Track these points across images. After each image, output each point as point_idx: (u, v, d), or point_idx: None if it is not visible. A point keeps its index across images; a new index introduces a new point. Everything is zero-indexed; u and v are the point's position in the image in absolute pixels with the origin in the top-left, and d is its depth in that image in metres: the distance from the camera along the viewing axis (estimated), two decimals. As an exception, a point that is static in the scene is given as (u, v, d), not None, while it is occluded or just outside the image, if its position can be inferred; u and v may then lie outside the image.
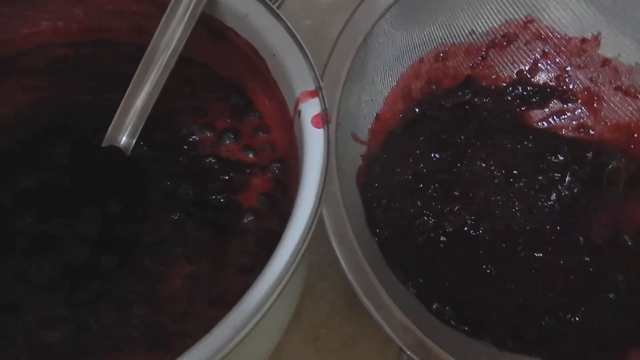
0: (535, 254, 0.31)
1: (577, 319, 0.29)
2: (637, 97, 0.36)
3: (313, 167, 0.22)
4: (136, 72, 0.28)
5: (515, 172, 0.35)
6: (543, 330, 0.28)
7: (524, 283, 0.30)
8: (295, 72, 0.25)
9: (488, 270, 0.30)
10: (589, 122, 0.37)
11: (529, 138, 0.36)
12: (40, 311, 0.24)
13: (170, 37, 0.28)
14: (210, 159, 0.29)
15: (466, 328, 0.28)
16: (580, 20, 0.36)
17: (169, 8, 0.28)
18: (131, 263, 0.26)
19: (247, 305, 0.20)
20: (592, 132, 0.37)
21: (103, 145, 0.28)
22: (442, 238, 0.32)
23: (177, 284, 0.26)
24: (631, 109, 0.36)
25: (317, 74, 0.24)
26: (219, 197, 0.28)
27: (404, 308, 0.26)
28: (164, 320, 0.25)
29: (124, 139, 0.28)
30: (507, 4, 0.35)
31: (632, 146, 0.36)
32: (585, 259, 0.31)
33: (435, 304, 0.30)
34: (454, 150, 0.35)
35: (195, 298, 0.25)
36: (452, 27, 0.35)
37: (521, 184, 0.34)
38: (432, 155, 0.35)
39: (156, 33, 0.28)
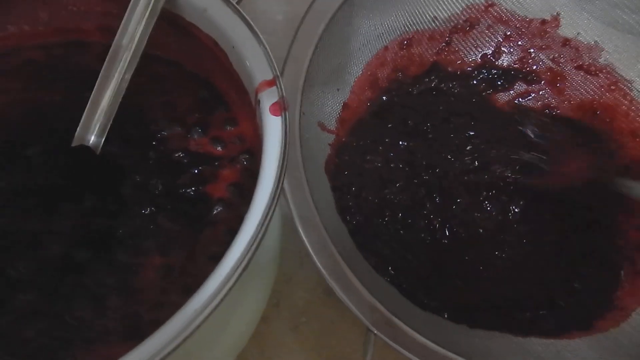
0: (499, 236, 0.32)
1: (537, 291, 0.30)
2: (598, 75, 0.36)
3: (272, 154, 0.23)
4: (101, 72, 0.28)
5: (482, 156, 0.35)
6: (499, 309, 0.29)
7: (486, 263, 0.31)
8: (253, 62, 0.25)
9: (451, 252, 0.31)
10: (554, 102, 0.38)
11: (495, 120, 0.37)
12: (17, 307, 0.25)
13: (132, 34, 0.28)
14: (179, 153, 0.30)
15: (425, 304, 0.29)
16: (539, 2, 0.36)
17: (129, 6, 0.28)
18: (105, 257, 0.27)
19: (211, 287, 0.20)
20: (558, 112, 0.38)
21: (73, 144, 0.29)
22: (410, 223, 0.33)
23: (150, 275, 0.26)
24: (593, 86, 0.37)
25: (274, 62, 0.24)
26: (188, 189, 0.29)
27: (372, 290, 0.27)
28: (139, 310, 0.25)
29: (92, 138, 0.29)
30: (467, -11, 0.36)
31: (594, 122, 0.37)
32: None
33: (404, 285, 0.30)
34: (423, 136, 0.36)
35: (169, 288, 0.26)
36: (415, 14, 0.36)
37: (489, 169, 0.35)
38: (401, 142, 0.35)
39: (118, 31, 0.28)
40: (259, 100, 0.25)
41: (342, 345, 0.35)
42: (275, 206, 0.22)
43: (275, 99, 0.24)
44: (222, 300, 0.20)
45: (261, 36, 0.25)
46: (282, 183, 0.22)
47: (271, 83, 0.24)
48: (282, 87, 0.24)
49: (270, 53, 0.25)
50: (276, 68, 0.24)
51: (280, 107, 0.24)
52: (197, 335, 0.20)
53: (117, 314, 0.25)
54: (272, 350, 0.35)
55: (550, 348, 0.28)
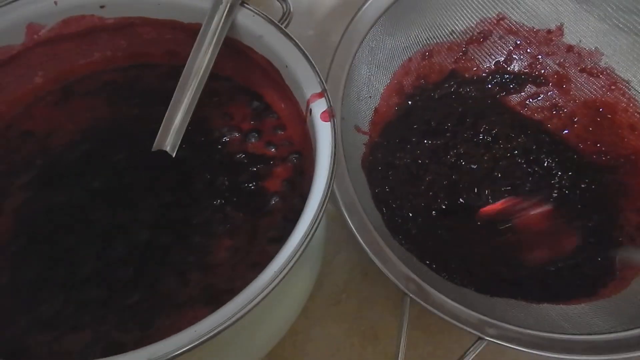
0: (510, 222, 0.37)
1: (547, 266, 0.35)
2: (599, 76, 0.41)
3: (324, 153, 0.28)
4: (174, 93, 0.33)
5: (498, 149, 0.40)
6: (516, 281, 0.34)
7: (503, 241, 0.36)
8: (304, 78, 0.31)
9: (470, 235, 0.36)
10: (561, 102, 0.43)
11: (508, 119, 0.42)
12: (119, 280, 0.31)
13: (201, 61, 0.33)
14: (240, 154, 0.36)
15: (452, 278, 0.34)
16: (545, 14, 0.41)
17: (199, 36, 0.34)
18: (184, 240, 0.32)
19: (277, 264, 0.25)
20: (565, 110, 0.43)
21: (153, 149, 0.35)
22: (435, 210, 0.38)
23: (222, 254, 0.32)
24: (595, 87, 0.41)
25: (322, 79, 0.30)
26: (249, 184, 0.34)
27: (407, 264, 0.32)
28: (215, 282, 0.31)
29: (169, 145, 0.34)
30: (480, 5, 0.41)
31: (598, 119, 0.41)
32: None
33: (433, 264, 0.36)
34: (444, 134, 0.41)
35: (238, 264, 0.32)
36: (434, 29, 0.41)
37: (504, 161, 0.40)
38: (425, 140, 0.41)
39: (189, 59, 0.33)
40: (310, 109, 0.30)
41: (378, 318, 0.40)
42: (329, 193, 0.27)
43: (324, 108, 0.29)
44: (285, 275, 0.25)
45: (310, 57, 0.31)
46: (334, 174, 0.27)
47: (320, 95, 0.30)
48: (330, 98, 0.29)
49: (319, 71, 0.30)
50: (324, 83, 0.30)
51: (329, 115, 0.29)
52: (263, 304, 0.24)
53: (198, 285, 0.31)
54: (318, 322, 0.40)
55: (560, 312, 0.33)
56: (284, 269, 0.25)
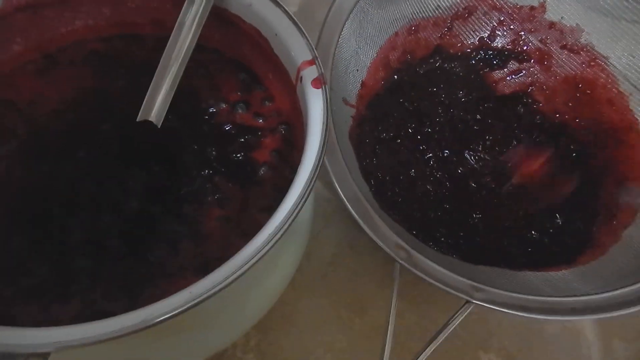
0: (491, 191, 0.38)
1: (528, 235, 0.36)
2: (580, 53, 0.42)
3: (316, 120, 0.28)
4: (160, 63, 0.32)
5: (479, 123, 0.41)
6: (498, 248, 0.35)
7: (485, 210, 0.37)
8: (295, 46, 0.31)
9: (455, 206, 0.37)
10: (542, 78, 0.44)
11: (490, 94, 0.43)
12: (109, 249, 0.30)
13: (187, 30, 0.33)
14: (228, 125, 0.36)
15: (439, 248, 0.35)
16: (527, -9, 0.42)
17: (185, 3, 0.33)
18: (174, 210, 0.32)
19: (266, 233, 0.25)
20: (545, 87, 0.44)
21: (138, 119, 0.34)
22: (420, 181, 0.39)
23: (212, 224, 0.32)
24: (576, 63, 0.42)
25: (313, 46, 0.30)
26: (238, 155, 0.34)
27: (396, 232, 0.33)
28: (206, 251, 0.31)
29: (154, 115, 0.34)
30: (466, -19, 0.41)
31: (578, 95, 0.42)
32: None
33: (419, 234, 0.36)
34: (429, 108, 0.42)
35: (229, 233, 0.32)
36: (421, 4, 0.41)
37: (484, 134, 0.41)
38: (410, 114, 0.41)
39: (175, 27, 0.33)
40: (301, 77, 0.30)
41: (364, 290, 0.41)
42: (322, 160, 0.27)
43: (315, 75, 0.29)
44: (275, 243, 0.25)
45: (300, 25, 0.31)
46: (327, 141, 0.27)
47: (311, 62, 0.30)
48: (321, 65, 0.29)
49: (309, 38, 0.30)
50: (315, 50, 0.30)
51: (320, 81, 0.29)
52: (252, 272, 0.24)
53: (189, 254, 0.31)
54: (306, 294, 0.41)
55: (540, 277, 0.34)
56: (274, 237, 0.25)
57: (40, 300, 0.29)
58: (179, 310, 0.22)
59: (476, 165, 0.39)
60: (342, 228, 0.43)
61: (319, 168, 0.27)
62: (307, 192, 0.27)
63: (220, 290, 0.23)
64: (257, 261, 0.25)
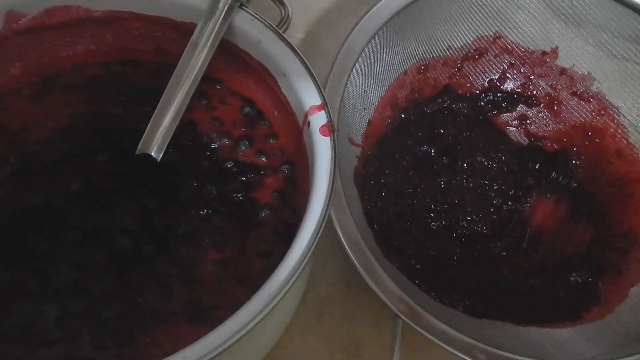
0: (497, 244, 0.37)
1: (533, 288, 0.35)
2: (590, 101, 0.41)
3: (323, 169, 0.27)
4: (163, 94, 0.31)
5: (489, 170, 0.40)
6: (506, 299, 0.34)
7: (489, 266, 0.36)
8: (303, 89, 0.30)
9: (461, 256, 0.36)
10: (551, 123, 0.43)
11: (499, 139, 0.42)
12: (95, 292, 0.29)
13: (194, 62, 0.32)
14: (229, 162, 0.34)
15: (442, 300, 0.33)
16: (540, 36, 0.41)
17: (193, 36, 0.32)
18: (169, 251, 0.31)
19: (274, 283, 0.24)
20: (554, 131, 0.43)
21: (137, 153, 0.33)
22: (425, 230, 0.37)
23: (208, 267, 0.31)
24: (585, 110, 0.42)
25: (323, 91, 0.29)
26: (238, 194, 0.33)
27: (398, 284, 0.31)
28: (200, 296, 0.29)
29: (154, 150, 0.32)
30: (478, 23, 0.41)
31: (586, 142, 0.42)
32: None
33: (422, 285, 0.35)
34: (436, 149, 0.41)
35: (224, 278, 0.30)
36: (431, 44, 0.40)
37: (494, 183, 0.40)
38: (417, 155, 0.40)
39: (181, 60, 0.32)
40: (309, 122, 0.29)
41: (361, 333, 0.40)
42: (329, 212, 0.26)
43: (324, 121, 0.28)
44: (285, 294, 0.23)
45: (310, 67, 0.30)
46: (334, 193, 0.26)
47: (320, 108, 0.29)
48: (330, 112, 0.28)
49: (319, 82, 0.29)
50: (324, 96, 0.29)
51: (329, 129, 0.28)
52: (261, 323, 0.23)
53: (182, 299, 0.29)
54: (299, 336, 0.39)
55: (546, 336, 0.33)
56: (281, 290, 0.24)
57: (22, 345, 0.27)
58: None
59: (483, 211, 0.38)
60: (339, 267, 0.42)
61: (325, 219, 0.26)
62: (314, 244, 0.26)
63: (219, 354, 0.22)
64: (261, 320, 0.23)
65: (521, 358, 0.29)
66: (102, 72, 0.37)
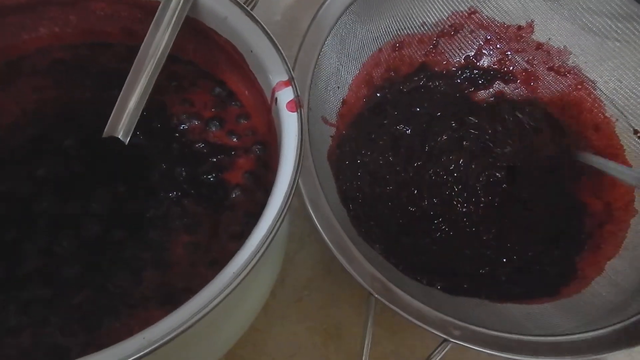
0: (475, 221, 0.37)
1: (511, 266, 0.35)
2: (566, 75, 0.41)
3: (290, 145, 0.27)
4: (129, 74, 0.31)
5: (460, 142, 0.40)
6: (479, 279, 0.34)
7: (466, 240, 0.36)
8: (270, 65, 0.29)
9: (437, 235, 0.36)
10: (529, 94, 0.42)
11: (476, 113, 0.41)
12: (64, 278, 0.28)
13: (159, 41, 0.31)
14: (200, 144, 0.34)
15: (418, 278, 0.33)
16: (516, 10, 0.41)
17: (156, 14, 0.31)
18: (139, 235, 0.30)
19: (236, 264, 0.23)
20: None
21: (104, 136, 0.32)
22: (401, 210, 0.37)
23: (179, 251, 0.30)
24: (562, 85, 0.41)
25: (289, 66, 0.28)
26: (209, 176, 0.32)
27: (372, 263, 0.31)
28: (171, 280, 0.29)
29: (121, 132, 0.32)
30: (452, -2, 0.40)
31: (563, 118, 0.41)
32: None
33: (399, 264, 0.35)
34: (411, 128, 0.40)
35: (196, 261, 0.30)
36: (406, 20, 0.40)
37: (470, 164, 0.40)
38: (392, 134, 0.40)
39: (145, 39, 0.31)
40: (276, 98, 0.28)
41: (340, 316, 0.40)
42: (294, 189, 0.26)
43: (291, 97, 0.28)
44: (245, 276, 0.23)
45: (277, 43, 0.29)
46: (300, 169, 0.26)
47: (287, 83, 0.28)
48: (297, 87, 0.28)
49: (286, 57, 0.29)
50: (291, 71, 0.28)
51: (295, 105, 0.27)
52: (221, 306, 0.23)
53: (153, 284, 0.29)
54: (279, 320, 0.39)
55: (523, 311, 0.33)
56: (244, 269, 0.24)
57: (-12, 332, 0.27)
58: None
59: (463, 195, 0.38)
60: (318, 250, 0.42)
61: (291, 197, 0.26)
62: (278, 223, 0.25)
63: (178, 335, 0.21)
64: (224, 297, 0.23)
65: (496, 333, 0.29)
66: (69, 56, 0.36)
